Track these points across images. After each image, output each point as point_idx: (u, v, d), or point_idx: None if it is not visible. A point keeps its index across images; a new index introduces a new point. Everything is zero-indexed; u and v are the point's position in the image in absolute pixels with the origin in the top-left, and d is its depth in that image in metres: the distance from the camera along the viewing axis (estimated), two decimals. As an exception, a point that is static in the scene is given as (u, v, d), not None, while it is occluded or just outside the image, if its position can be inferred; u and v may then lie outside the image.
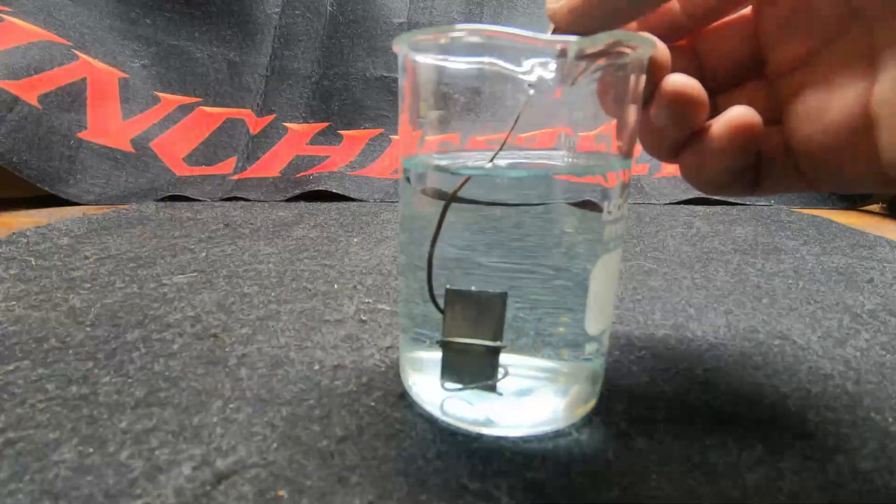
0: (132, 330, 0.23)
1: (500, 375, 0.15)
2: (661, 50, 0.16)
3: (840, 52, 0.15)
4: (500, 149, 0.15)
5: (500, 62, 0.14)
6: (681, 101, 0.15)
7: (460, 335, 0.15)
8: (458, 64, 0.15)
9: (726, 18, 0.18)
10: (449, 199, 0.15)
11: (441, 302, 0.15)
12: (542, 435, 0.16)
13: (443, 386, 0.16)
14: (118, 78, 0.66)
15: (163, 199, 0.56)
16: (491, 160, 0.15)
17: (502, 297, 0.15)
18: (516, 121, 0.14)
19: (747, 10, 0.18)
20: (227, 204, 0.56)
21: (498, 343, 0.15)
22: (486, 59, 0.14)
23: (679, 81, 0.15)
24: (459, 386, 0.16)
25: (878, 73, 0.14)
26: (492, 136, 0.15)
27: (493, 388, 0.15)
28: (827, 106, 0.15)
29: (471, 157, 0.16)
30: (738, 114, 0.15)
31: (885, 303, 0.28)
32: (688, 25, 0.18)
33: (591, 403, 0.17)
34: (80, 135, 0.59)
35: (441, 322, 0.15)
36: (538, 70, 0.14)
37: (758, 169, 0.17)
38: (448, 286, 0.15)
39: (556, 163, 0.17)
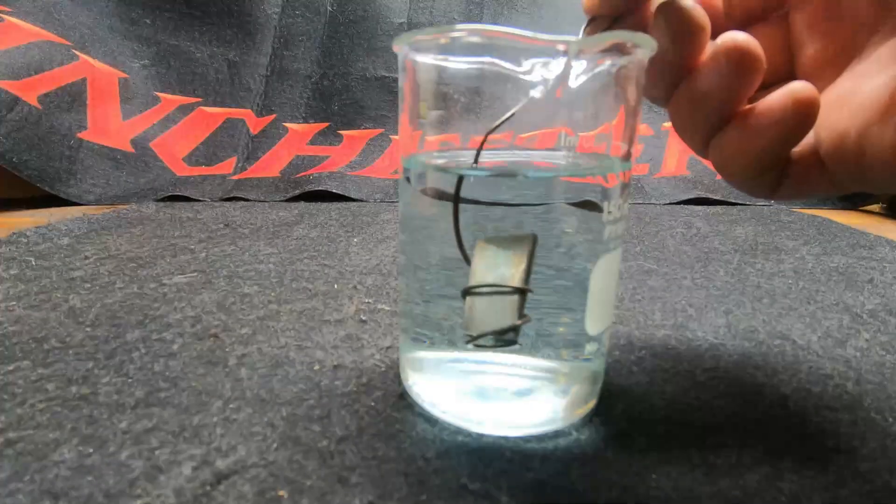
0: (132, 330, 0.23)
1: (521, 323, 0.15)
2: (700, 12, 0.15)
3: (871, 47, 0.15)
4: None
5: (501, 62, 0.14)
6: (743, 56, 0.14)
7: (486, 281, 0.15)
8: (459, 64, 0.15)
9: (760, 22, 0.18)
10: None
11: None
12: (542, 435, 0.16)
13: (465, 337, 0.15)
14: (118, 78, 0.66)
15: (163, 199, 0.56)
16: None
17: (532, 238, 0.14)
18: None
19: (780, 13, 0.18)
20: (227, 204, 0.56)
21: (524, 286, 0.14)
22: (486, 59, 0.14)
23: (741, 37, 0.15)
24: (482, 334, 0.15)
25: None
26: (493, 135, 0.15)
27: (514, 339, 0.15)
28: (855, 91, 0.15)
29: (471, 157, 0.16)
30: (803, 87, 0.14)
31: (885, 303, 0.28)
32: (727, 28, 0.17)
33: (591, 403, 0.17)
34: (80, 135, 0.59)
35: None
36: (538, 70, 0.14)
37: (784, 170, 0.17)
38: (479, 240, 0.15)
39: (557, 163, 0.17)
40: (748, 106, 0.16)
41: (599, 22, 0.17)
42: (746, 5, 0.17)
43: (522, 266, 0.14)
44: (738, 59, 0.15)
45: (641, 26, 0.17)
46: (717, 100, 0.15)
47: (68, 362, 0.20)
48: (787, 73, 0.17)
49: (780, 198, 0.17)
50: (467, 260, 0.15)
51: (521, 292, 0.15)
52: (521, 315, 0.15)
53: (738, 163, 0.16)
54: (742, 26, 0.17)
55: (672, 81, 0.16)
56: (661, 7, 0.16)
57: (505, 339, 0.15)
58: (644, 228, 0.46)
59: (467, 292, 0.15)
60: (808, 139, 0.16)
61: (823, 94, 0.16)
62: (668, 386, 0.19)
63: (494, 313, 0.15)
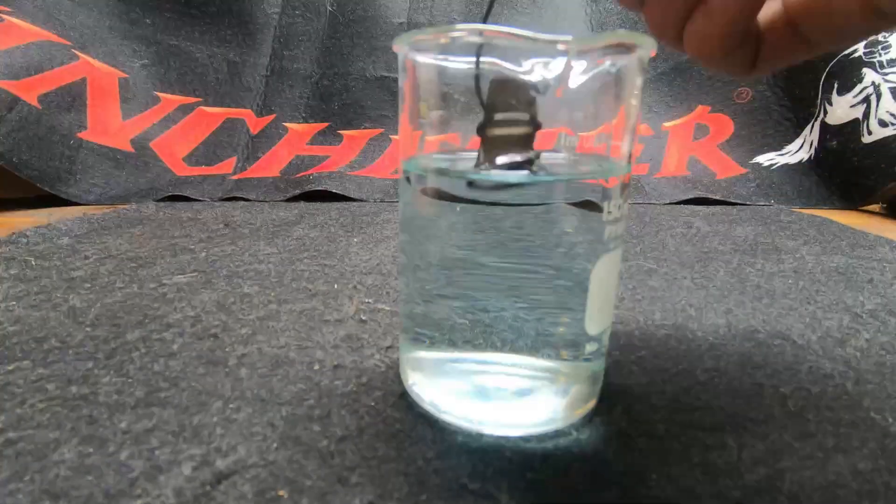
0: (132, 330, 0.23)
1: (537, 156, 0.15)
2: None
3: None
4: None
5: (501, 62, 0.14)
6: None
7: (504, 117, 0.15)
8: (459, 64, 0.15)
9: None
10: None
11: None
12: (542, 435, 0.16)
13: (479, 167, 0.16)
14: (118, 78, 0.66)
15: (163, 199, 0.56)
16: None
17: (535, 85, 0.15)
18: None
19: None
20: (227, 204, 0.56)
21: (538, 121, 0.15)
22: (486, 59, 0.14)
23: None
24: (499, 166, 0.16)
25: None
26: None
27: (530, 165, 0.15)
28: None
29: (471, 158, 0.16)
30: None
31: (885, 303, 0.28)
32: None
33: (591, 403, 0.17)
34: (80, 135, 0.59)
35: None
36: (538, 70, 0.14)
37: (757, 44, 0.18)
38: (493, 77, 0.15)
39: (556, 163, 0.17)
40: None
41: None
42: None
43: (535, 103, 0.15)
44: None
45: None
46: None
47: (68, 362, 0.20)
48: None
49: (759, 72, 0.18)
50: (482, 101, 0.15)
51: (536, 126, 0.15)
52: (532, 146, 0.15)
53: (709, 44, 0.17)
54: None
55: None
56: None
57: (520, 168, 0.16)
58: (644, 228, 0.46)
59: (484, 127, 0.15)
60: (772, 11, 0.17)
61: None
62: (668, 386, 0.19)
63: (508, 148, 0.15)
